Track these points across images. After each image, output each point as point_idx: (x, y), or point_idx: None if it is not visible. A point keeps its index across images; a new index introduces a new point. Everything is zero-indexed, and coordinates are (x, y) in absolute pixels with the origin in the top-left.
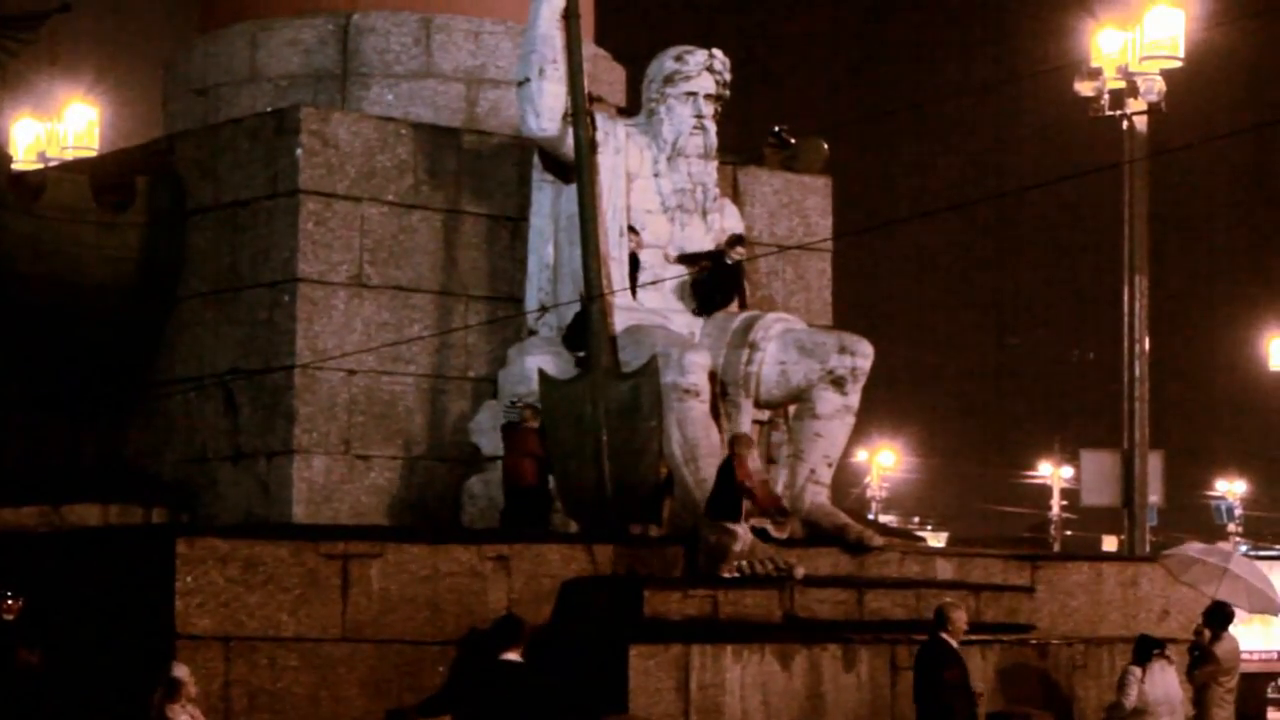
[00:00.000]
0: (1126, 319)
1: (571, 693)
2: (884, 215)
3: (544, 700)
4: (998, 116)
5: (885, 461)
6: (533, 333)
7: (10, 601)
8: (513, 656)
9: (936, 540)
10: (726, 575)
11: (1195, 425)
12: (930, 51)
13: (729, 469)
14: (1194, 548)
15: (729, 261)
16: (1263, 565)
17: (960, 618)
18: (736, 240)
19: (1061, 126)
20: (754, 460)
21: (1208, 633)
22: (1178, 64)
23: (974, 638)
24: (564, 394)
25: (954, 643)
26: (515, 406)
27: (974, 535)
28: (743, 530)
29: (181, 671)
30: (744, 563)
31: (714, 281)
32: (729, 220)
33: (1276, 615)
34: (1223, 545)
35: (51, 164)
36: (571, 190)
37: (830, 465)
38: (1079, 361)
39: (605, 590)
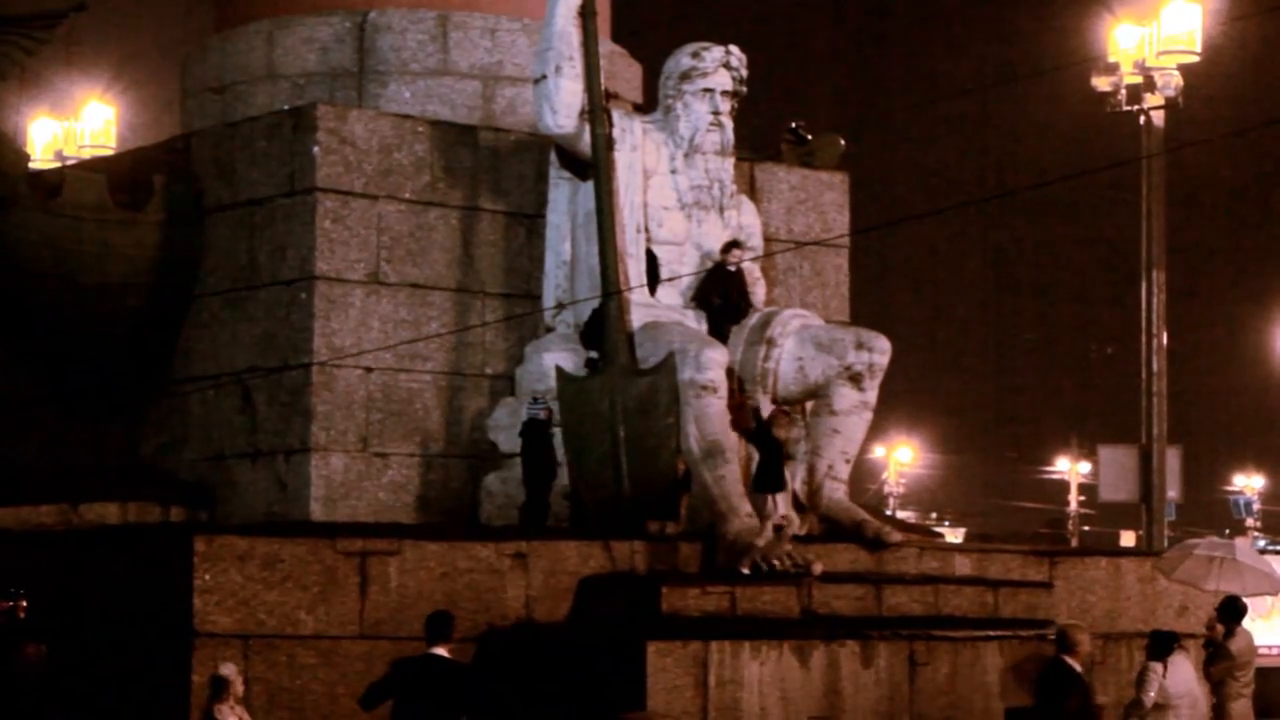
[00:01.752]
0: (1144, 313)
1: (492, 685)
2: (896, 212)
3: (470, 693)
4: (1013, 112)
5: (903, 457)
6: (550, 330)
7: (15, 600)
8: (441, 651)
9: (954, 536)
10: (746, 571)
11: (1213, 420)
12: (943, 46)
13: (765, 434)
14: (1194, 544)
15: (730, 269)
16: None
17: (1084, 640)
18: (732, 245)
19: (1077, 122)
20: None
21: (1221, 628)
22: (1195, 59)
23: (991, 634)
24: (581, 390)
25: (1078, 666)
26: (537, 404)
27: (992, 531)
28: (771, 522)
29: (228, 670)
30: (762, 560)
31: (714, 288)
32: (746, 217)
33: (1276, 595)
34: (1226, 540)
35: (69, 163)
36: (588, 187)
37: (848, 461)
38: (1097, 357)
39: (623, 587)
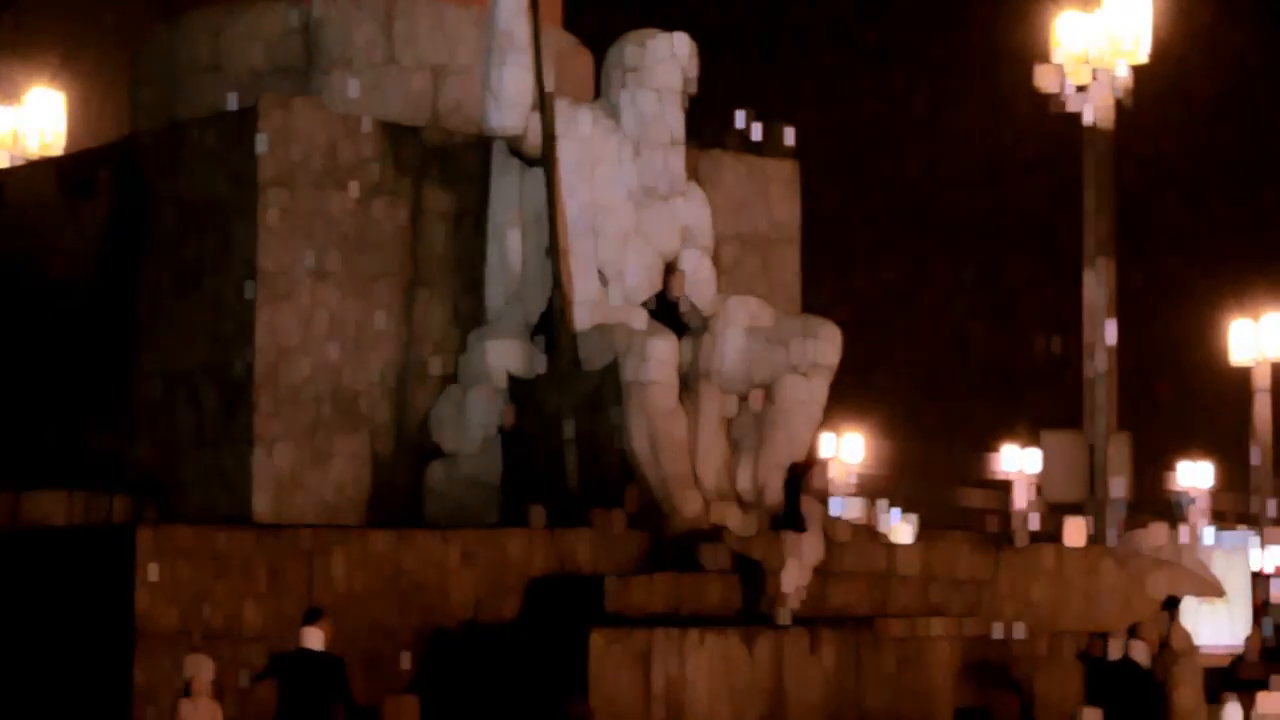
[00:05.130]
0: (1086, 302)
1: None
2: (850, 201)
3: (340, 679)
4: (954, 101)
5: (852, 448)
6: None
7: None
8: (313, 644)
9: (907, 524)
10: (783, 622)
11: (1158, 412)
12: (885, 36)
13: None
14: (1140, 538)
15: (672, 298)
16: (1226, 551)
17: (1154, 640)
18: (674, 269)
19: (1021, 106)
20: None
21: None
22: (1142, 60)
23: (937, 627)
24: (529, 390)
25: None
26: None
27: (942, 521)
28: (798, 561)
29: (193, 665)
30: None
31: (661, 316)
32: (696, 206)
33: (1222, 597)
34: (1160, 532)
35: (16, 154)
36: (537, 182)
37: (796, 454)
38: (1044, 350)
39: (569, 581)
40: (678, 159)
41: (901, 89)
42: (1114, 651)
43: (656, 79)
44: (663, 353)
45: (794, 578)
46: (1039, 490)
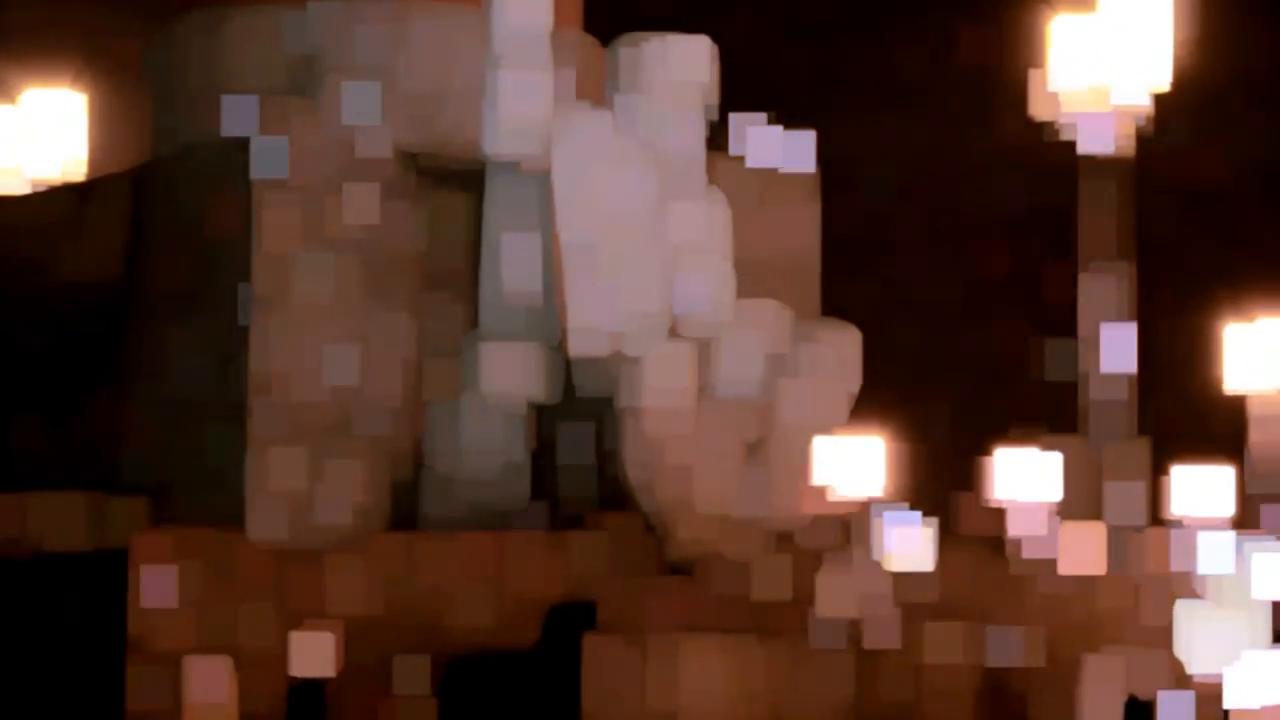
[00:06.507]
0: (1081, 309)
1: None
2: (868, 203)
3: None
4: (951, 96)
5: (869, 448)
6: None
7: None
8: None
9: (928, 527)
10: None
11: (1158, 417)
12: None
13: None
14: (1138, 548)
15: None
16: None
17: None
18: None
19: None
20: None
21: None
22: (1163, 87)
23: (942, 637)
24: (540, 412)
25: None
26: None
27: (956, 535)
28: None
29: (192, 669)
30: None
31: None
32: (716, 209)
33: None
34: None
35: (37, 183)
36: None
37: (806, 464)
38: (1036, 350)
39: (571, 585)
40: (696, 163)
41: (904, 81)
42: (1113, 683)
43: (656, 85)
44: (660, 379)
45: (835, 596)
46: (1057, 509)
